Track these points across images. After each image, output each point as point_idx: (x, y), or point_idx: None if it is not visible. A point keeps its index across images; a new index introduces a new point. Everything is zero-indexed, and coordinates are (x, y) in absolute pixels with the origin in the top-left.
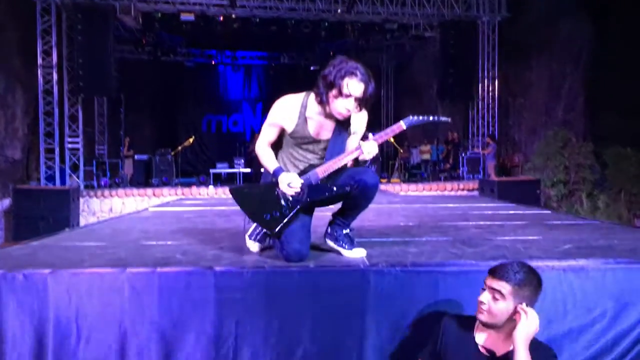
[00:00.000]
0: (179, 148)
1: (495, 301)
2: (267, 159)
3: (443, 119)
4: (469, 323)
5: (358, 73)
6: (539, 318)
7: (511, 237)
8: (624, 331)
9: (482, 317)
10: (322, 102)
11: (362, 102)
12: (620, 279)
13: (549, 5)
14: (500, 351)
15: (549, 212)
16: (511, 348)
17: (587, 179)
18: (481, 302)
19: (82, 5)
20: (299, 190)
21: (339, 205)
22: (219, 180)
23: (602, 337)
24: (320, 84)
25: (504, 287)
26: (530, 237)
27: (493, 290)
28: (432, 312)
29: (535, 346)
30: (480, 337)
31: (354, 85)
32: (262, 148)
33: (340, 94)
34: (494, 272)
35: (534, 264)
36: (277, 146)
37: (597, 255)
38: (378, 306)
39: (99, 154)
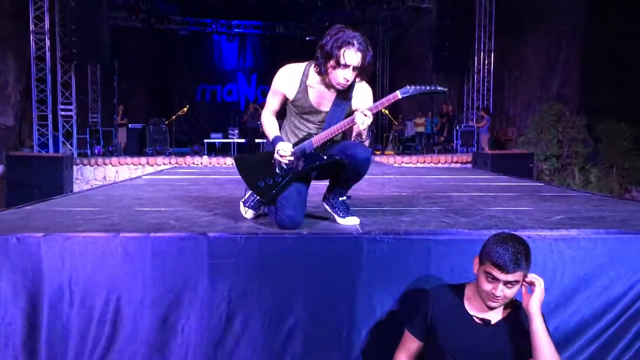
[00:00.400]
0: (173, 117)
1: (510, 288)
2: (269, 128)
3: (440, 88)
4: (457, 293)
5: (355, 42)
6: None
7: (503, 207)
8: (613, 300)
9: (496, 304)
10: (321, 72)
11: (361, 71)
12: (611, 248)
13: None
14: (494, 319)
15: (541, 184)
16: (503, 315)
17: (580, 153)
18: (496, 296)
19: None
20: (290, 158)
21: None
22: (213, 150)
23: (591, 305)
24: (318, 54)
25: (519, 275)
26: (523, 208)
27: (508, 282)
28: (424, 280)
29: (519, 304)
30: (472, 307)
31: (351, 55)
32: (266, 117)
33: (338, 64)
34: (507, 268)
35: (525, 233)
36: (282, 116)
37: (588, 225)
38: (370, 274)
39: (93, 122)
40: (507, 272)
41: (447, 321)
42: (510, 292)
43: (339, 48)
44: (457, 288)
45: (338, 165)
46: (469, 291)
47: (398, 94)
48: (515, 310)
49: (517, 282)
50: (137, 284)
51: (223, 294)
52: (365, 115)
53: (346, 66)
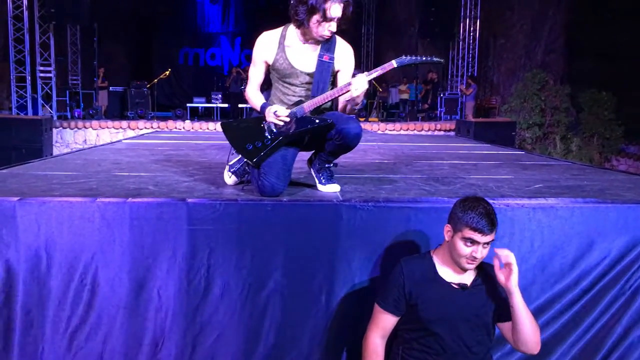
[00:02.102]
0: (155, 81)
1: (486, 248)
2: (255, 99)
3: (436, 59)
4: (427, 262)
5: None
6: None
7: (484, 175)
8: (588, 268)
9: (473, 265)
10: (303, 26)
11: (342, 21)
12: (588, 218)
13: None
14: (469, 282)
15: (522, 152)
16: (475, 276)
17: (562, 122)
18: (476, 258)
19: None
20: (286, 119)
21: None
22: (195, 115)
23: (567, 273)
24: (299, 10)
25: (494, 233)
26: (503, 177)
27: (486, 243)
28: (403, 248)
29: (487, 265)
30: (446, 273)
31: (336, 9)
32: (250, 91)
33: (324, 18)
34: (486, 230)
35: (504, 202)
36: (268, 87)
37: (566, 194)
38: (350, 241)
39: (72, 84)
40: (487, 234)
41: (424, 292)
42: (486, 251)
43: (325, 2)
44: (424, 257)
45: (328, 136)
46: (438, 258)
47: (394, 63)
48: (485, 270)
49: (492, 241)
50: (115, 249)
51: (202, 260)
52: (361, 82)
53: (331, 19)
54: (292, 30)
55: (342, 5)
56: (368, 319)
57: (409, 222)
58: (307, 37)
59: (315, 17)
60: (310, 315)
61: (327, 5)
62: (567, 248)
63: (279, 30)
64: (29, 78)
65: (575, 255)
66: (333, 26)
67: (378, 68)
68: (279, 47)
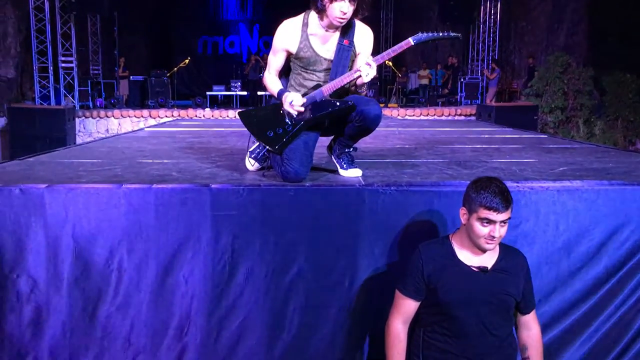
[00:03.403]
0: (175, 69)
1: (503, 226)
2: (273, 86)
3: (453, 34)
4: (445, 246)
5: None
6: (534, 236)
7: (507, 159)
8: (615, 251)
9: (493, 245)
10: (319, 9)
11: (358, 5)
12: (613, 200)
13: None
14: (489, 265)
15: (545, 135)
16: (497, 259)
17: (585, 105)
18: (494, 237)
19: None
20: (301, 109)
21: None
22: (215, 103)
23: (594, 256)
24: None
25: (510, 211)
26: (526, 160)
27: (502, 221)
28: (426, 232)
29: (508, 249)
30: (466, 257)
31: None
32: (268, 77)
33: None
34: (501, 208)
35: (528, 185)
36: (286, 74)
37: (591, 177)
38: (372, 226)
39: (94, 74)
40: (502, 211)
41: (444, 276)
42: (504, 231)
43: None
44: (443, 242)
45: (348, 119)
46: (456, 242)
47: (411, 41)
48: (506, 253)
49: (508, 219)
50: (141, 235)
51: (226, 246)
52: (370, 65)
53: (351, 4)
54: (313, 17)
55: None
56: (391, 303)
57: (432, 205)
58: (327, 23)
59: (335, 6)
60: (334, 300)
61: None
62: (594, 231)
63: (301, 17)
64: (51, 68)
65: (602, 238)
66: (345, 6)
67: (395, 47)
68: (302, 35)
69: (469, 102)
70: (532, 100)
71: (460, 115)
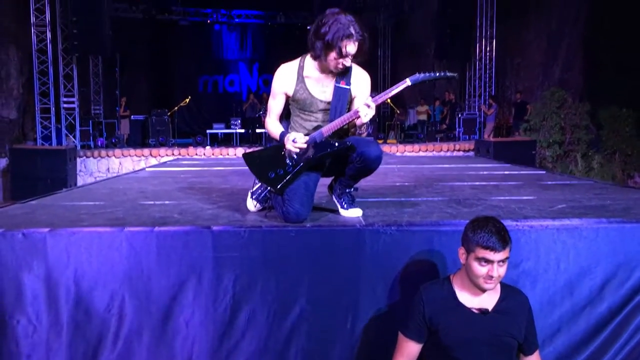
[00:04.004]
0: (175, 108)
1: (502, 266)
2: (274, 129)
3: (449, 74)
4: (446, 287)
5: (353, 33)
6: (536, 275)
7: (506, 197)
8: (616, 289)
9: (492, 285)
10: (320, 59)
11: (358, 55)
12: (613, 238)
13: None
14: (490, 306)
15: (543, 172)
16: (497, 301)
17: (582, 139)
18: (492, 277)
19: None
20: (303, 146)
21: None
22: (215, 141)
23: (597, 296)
24: (316, 45)
25: (508, 251)
26: (525, 197)
27: (500, 261)
28: (426, 272)
29: (510, 290)
30: (466, 298)
31: (352, 47)
32: (270, 122)
33: (340, 55)
34: (498, 247)
35: (528, 223)
36: (287, 118)
37: (590, 214)
38: (374, 265)
39: (95, 114)
40: (499, 250)
41: (445, 318)
42: (503, 270)
43: (341, 40)
44: (444, 283)
45: (348, 160)
46: (457, 283)
47: (408, 81)
48: (507, 293)
49: (507, 258)
50: (142, 278)
51: (227, 287)
52: (369, 106)
53: (347, 55)
54: (309, 61)
55: (357, 42)
56: (393, 344)
57: (432, 245)
58: (324, 68)
59: (332, 54)
60: (337, 341)
61: (343, 43)
62: (595, 270)
63: (297, 61)
64: (53, 109)
65: (603, 277)
66: (348, 61)
67: (393, 87)
68: (298, 78)
69: (467, 137)
70: (529, 135)
71: (458, 150)
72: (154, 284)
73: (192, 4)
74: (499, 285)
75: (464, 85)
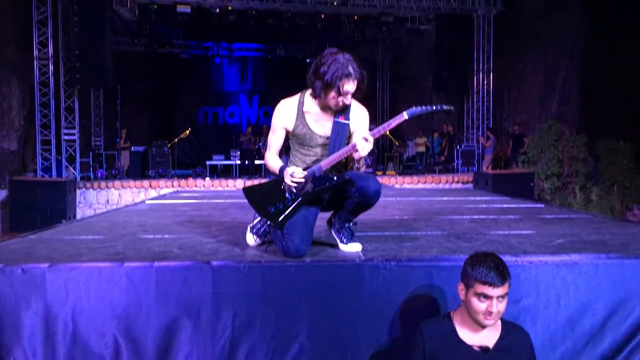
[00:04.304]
0: (175, 140)
1: (501, 302)
2: (274, 164)
3: (445, 107)
4: (447, 324)
5: (352, 72)
6: (536, 312)
7: (505, 231)
8: (617, 326)
9: (492, 321)
10: (319, 97)
11: (358, 93)
12: (613, 274)
13: None
14: (491, 344)
15: (542, 205)
16: (498, 338)
17: (580, 171)
18: (492, 313)
19: None
20: (301, 180)
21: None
22: (215, 172)
23: (598, 331)
24: (316, 84)
25: (507, 287)
26: (524, 232)
27: (499, 296)
28: (426, 307)
29: (511, 327)
30: (467, 335)
31: (350, 85)
32: (269, 157)
33: (339, 94)
34: (496, 282)
35: (527, 259)
36: (286, 153)
37: (589, 250)
38: (374, 301)
39: (96, 145)
40: (498, 286)
41: (446, 355)
42: (502, 306)
43: (339, 79)
44: (444, 319)
45: (347, 194)
46: (457, 319)
47: (405, 115)
48: (508, 330)
49: (506, 294)
50: (140, 314)
51: (226, 323)
52: (367, 140)
53: (346, 94)
54: (309, 97)
55: (356, 81)
56: None
57: (432, 280)
58: (324, 105)
59: (331, 93)
60: None
61: (342, 82)
62: (596, 306)
63: (297, 97)
64: (53, 141)
65: (604, 314)
66: (348, 99)
67: (390, 121)
68: (298, 113)
69: (466, 169)
70: (527, 167)
71: (457, 182)
72: (152, 319)
73: (193, 37)
74: (499, 322)
75: (462, 118)
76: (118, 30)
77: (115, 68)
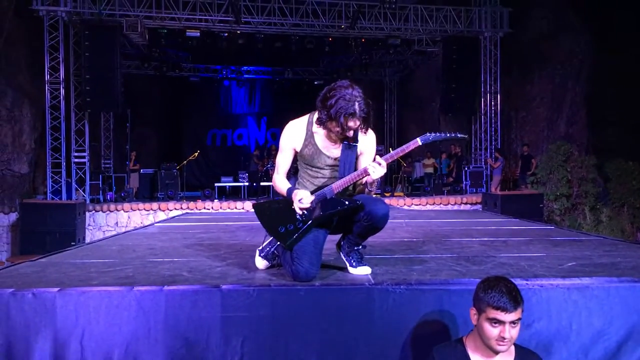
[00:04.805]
0: (184, 162)
1: (514, 327)
2: (282, 186)
3: (460, 135)
4: (459, 349)
5: (357, 111)
6: (548, 336)
7: (515, 254)
8: (631, 350)
9: (505, 347)
10: (322, 122)
11: (362, 125)
12: (625, 298)
13: (550, 21)
14: None
15: (552, 227)
16: None
17: (590, 192)
18: (505, 339)
19: (90, 21)
20: (308, 206)
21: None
22: (223, 194)
23: (612, 356)
24: (322, 113)
25: (520, 312)
26: (535, 254)
27: (512, 322)
28: (436, 331)
29: (525, 353)
30: None
31: (353, 122)
32: (277, 178)
33: (342, 129)
34: (509, 307)
35: (538, 282)
36: (295, 174)
37: (600, 273)
38: (384, 325)
39: (105, 168)
40: (511, 311)
41: None
42: (515, 332)
43: (343, 116)
44: (456, 345)
45: (355, 218)
46: (470, 345)
47: (418, 141)
48: (522, 356)
49: (519, 319)
50: (149, 339)
51: (236, 348)
52: (380, 164)
53: (349, 129)
54: (317, 119)
55: (360, 119)
56: None
57: (442, 305)
58: (328, 134)
59: (336, 129)
60: None
61: (346, 120)
62: (609, 331)
63: (306, 117)
64: (64, 164)
65: (618, 338)
66: (350, 133)
67: (403, 146)
68: (307, 133)
69: (474, 190)
70: (536, 188)
71: (466, 203)
72: (160, 344)
73: (202, 61)
74: (513, 347)
75: (470, 139)
76: (128, 54)
77: (125, 91)
